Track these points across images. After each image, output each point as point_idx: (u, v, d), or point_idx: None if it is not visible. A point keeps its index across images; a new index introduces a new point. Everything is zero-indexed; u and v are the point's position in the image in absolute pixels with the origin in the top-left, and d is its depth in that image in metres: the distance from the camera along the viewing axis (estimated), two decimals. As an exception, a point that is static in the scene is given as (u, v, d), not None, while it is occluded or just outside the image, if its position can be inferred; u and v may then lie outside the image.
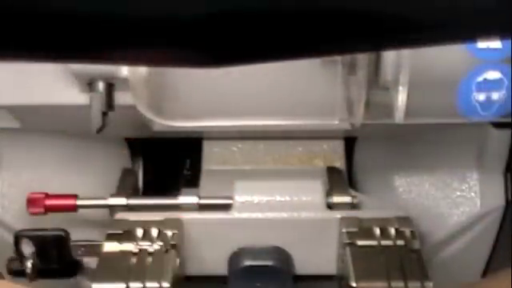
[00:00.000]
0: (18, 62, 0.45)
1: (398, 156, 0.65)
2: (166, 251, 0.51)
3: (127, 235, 0.52)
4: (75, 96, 0.53)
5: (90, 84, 0.51)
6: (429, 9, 0.24)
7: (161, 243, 0.51)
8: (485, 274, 0.64)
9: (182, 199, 0.55)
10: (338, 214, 0.53)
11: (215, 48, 0.23)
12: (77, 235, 0.55)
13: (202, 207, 0.55)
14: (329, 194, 0.55)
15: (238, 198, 0.54)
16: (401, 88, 0.46)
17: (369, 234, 0.52)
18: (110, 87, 0.51)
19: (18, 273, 0.55)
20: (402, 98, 0.46)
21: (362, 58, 0.47)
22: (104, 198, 0.56)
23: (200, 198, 0.55)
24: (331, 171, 0.62)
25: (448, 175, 0.63)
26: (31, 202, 0.56)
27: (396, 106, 0.46)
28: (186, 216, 0.54)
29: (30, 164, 0.63)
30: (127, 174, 0.64)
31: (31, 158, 0.63)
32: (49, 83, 0.53)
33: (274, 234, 0.54)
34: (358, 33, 0.24)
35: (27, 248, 0.55)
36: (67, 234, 0.54)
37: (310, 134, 0.63)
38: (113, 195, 0.57)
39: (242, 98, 0.55)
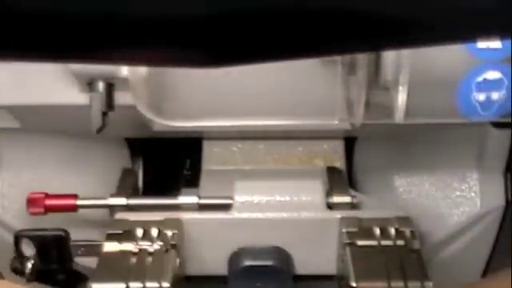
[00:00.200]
0: (18, 62, 0.45)
1: (398, 156, 0.65)
2: (166, 251, 0.51)
3: (127, 235, 0.52)
4: (75, 96, 0.53)
5: (89, 84, 0.51)
6: (429, 9, 0.24)
7: (161, 243, 0.51)
8: (485, 273, 0.64)
9: (182, 199, 0.55)
10: (337, 214, 0.53)
11: (215, 48, 0.23)
12: (77, 235, 0.55)
13: (202, 207, 0.55)
14: (329, 193, 0.55)
15: (238, 198, 0.54)
16: (401, 88, 0.46)
17: (369, 234, 0.52)
18: (110, 87, 0.51)
19: (22, 272, 0.55)
20: (401, 97, 0.46)
21: (362, 58, 0.47)
22: (104, 198, 0.56)
23: (200, 197, 0.55)
24: (331, 171, 0.62)
25: (448, 175, 0.63)
26: (31, 202, 0.56)
27: (396, 106, 0.46)
28: (185, 216, 0.54)
29: (30, 164, 0.63)
30: (127, 174, 0.64)
31: (31, 157, 0.63)
32: (49, 83, 0.53)
33: (274, 234, 0.54)
34: (357, 33, 0.24)
35: (27, 248, 0.55)
36: (67, 234, 0.54)
37: (310, 134, 0.63)
38: (113, 195, 0.57)
39: (242, 98, 0.55)
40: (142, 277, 0.48)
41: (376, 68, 0.47)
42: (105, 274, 0.49)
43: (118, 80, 0.51)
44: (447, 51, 0.45)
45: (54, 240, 0.54)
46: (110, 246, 0.51)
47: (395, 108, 0.47)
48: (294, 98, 0.55)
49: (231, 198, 0.54)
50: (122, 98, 0.52)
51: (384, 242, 0.51)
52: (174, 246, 0.51)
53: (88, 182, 0.64)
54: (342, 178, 0.61)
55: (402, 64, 0.45)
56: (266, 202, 0.54)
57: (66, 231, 0.54)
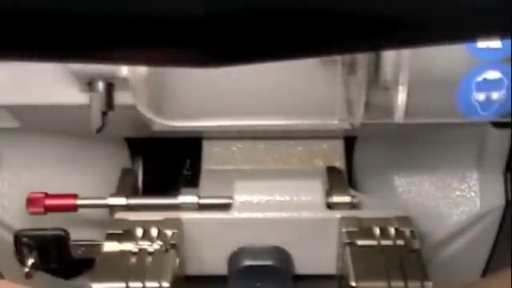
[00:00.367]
0: (18, 62, 0.45)
1: (398, 156, 0.65)
2: (166, 251, 0.51)
3: (127, 235, 0.52)
4: (75, 96, 0.53)
5: (89, 84, 0.51)
6: (428, 9, 0.24)
7: (160, 243, 0.51)
8: (485, 273, 0.64)
9: (182, 199, 0.55)
10: (337, 214, 0.53)
11: (215, 48, 0.23)
12: (77, 235, 0.55)
13: (202, 207, 0.55)
14: (329, 193, 0.55)
15: (238, 198, 0.54)
16: (401, 88, 0.46)
17: (369, 234, 0.52)
18: (110, 87, 0.51)
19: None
20: (401, 97, 0.46)
21: (362, 58, 0.47)
22: (104, 198, 0.56)
23: (200, 197, 0.55)
24: (331, 171, 0.62)
25: (448, 175, 0.63)
26: (31, 201, 0.56)
27: (396, 105, 0.46)
28: (185, 216, 0.54)
29: (30, 164, 0.63)
30: (127, 174, 0.64)
31: (31, 157, 0.63)
32: (49, 83, 0.53)
33: (273, 233, 0.54)
34: (357, 33, 0.24)
35: (27, 248, 0.55)
36: (67, 233, 0.54)
37: (310, 134, 0.63)
38: (112, 195, 0.57)
39: (242, 98, 0.55)
40: (141, 276, 0.48)
41: (376, 68, 0.47)
42: (105, 273, 0.49)
43: (117, 80, 0.51)
44: (447, 51, 0.45)
45: (54, 240, 0.54)
46: (110, 246, 0.51)
47: (395, 108, 0.47)
48: (294, 98, 0.55)
49: (231, 197, 0.54)
50: (121, 97, 0.52)
51: (384, 242, 0.51)
52: (173, 246, 0.51)
53: (88, 182, 0.64)
54: (341, 178, 0.61)
55: (401, 64, 0.45)
56: (265, 202, 0.54)
57: (65, 231, 0.54)
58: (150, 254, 0.50)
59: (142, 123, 0.56)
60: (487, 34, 0.26)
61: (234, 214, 0.54)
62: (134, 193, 0.63)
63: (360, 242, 0.51)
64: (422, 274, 0.48)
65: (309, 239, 0.54)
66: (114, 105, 0.51)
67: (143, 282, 0.47)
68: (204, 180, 0.62)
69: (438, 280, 0.49)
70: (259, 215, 0.53)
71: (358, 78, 0.47)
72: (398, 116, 0.47)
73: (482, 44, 0.44)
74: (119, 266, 0.49)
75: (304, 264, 0.55)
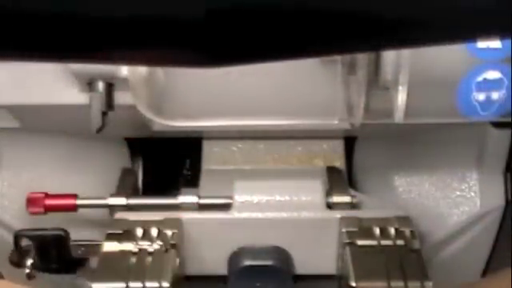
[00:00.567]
0: (18, 62, 0.45)
1: (398, 156, 0.65)
2: (166, 251, 0.51)
3: (127, 235, 0.52)
4: (75, 96, 0.53)
5: (89, 84, 0.51)
6: (428, 9, 0.24)
7: (160, 243, 0.51)
8: (485, 273, 0.64)
9: (182, 199, 0.55)
10: (337, 214, 0.53)
11: (214, 48, 0.23)
12: (77, 235, 0.55)
13: (202, 207, 0.55)
14: (329, 193, 0.55)
15: (238, 198, 0.54)
16: (401, 88, 0.46)
17: (369, 234, 0.52)
18: (110, 87, 0.51)
19: (19, 265, 0.55)
20: (401, 97, 0.46)
21: (362, 58, 0.47)
22: (104, 198, 0.56)
23: (200, 197, 0.55)
24: (331, 171, 0.62)
25: (448, 175, 0.63)
26: (31, 201, 0.56)
27: (396, 105, 0.46)
28: (185, 216, 0.54)
29: (30, 164, 0.63)
30: (127, 174, 0.64)
31: (31, 157, 0.63)
32: (48, 83, 0.53)
33: (273, 233, 0.54)
34: (357, 33, 0.24)
35: (27, 248, 0.55)
36: (67, 233, 0.54)
37: (309, 134, 0.63)
38: (112, 195, 0.57)
39: (242, 98, 0.55)
40: (141, 276, 0.48)
41: (376, 68, 0.47)
42: (105, 273, 0.49)
43: (117, 80, 0.51)
44: (447, 51, 0.45)
45: (54, 240, 0.54)
46: (110, 246, 0.51)
47: (395, 108, 0.47)
48: (294, 98, 0.55)
49: (231, 197, 0.54)
50: (121, 97, 0.52)
51: (384, 242, 0.51)
52: (173, 246, 0.51)
53: (88, 182, 0.64)
54: (341, 178, 0.61)
55: (401, 64, 0.45)
56: (265, 202, 0.54)
57: (65, 231, 0.54)
58: (150, 254, 0.50)
59: (142, 123, 0.56)
60: (487, 33, 0.26)
61: (233, 214, 0.54)
62: (134, 193, 0.63)
63: (360, 242, 0.51)
64: (422, 274, 0.48)
65: (309, 239, 0.54)
66: (113, 105, 0.51)
67: (143, 282, 0.47)
68: (204, 180, 0.62)
69: (438, 280, 0.49)
70: (259, 215, 0.53)
71: (358, 78, 0.47)
72: (398, 116, 0.47)
73: (481, 44, 0.44)
74: (119, 266, 0.49)
75: (304, 264, 0.55)
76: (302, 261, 0.55)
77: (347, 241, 0.51)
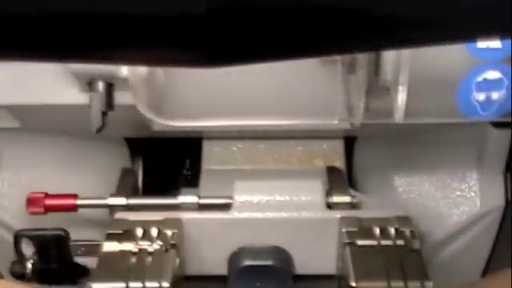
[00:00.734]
0: (18, 62, 0.45)
1: (398, 156, 0.65)
2: (166, 251, 0.51)
3: (127, 235, 0.52)
4: (75, 96, 0.53)
5: (89, 84, 0.51)
6: (428, 9, 0.24)
7: (160, 243, 0.51)
8: (485, 273, 0.64)
9: (182, 199, 0.55)
10: (337, 214, 0.53)
11: (214, 48, 0.23)
12: (77, 235, 0.55)
13: (202, 207, 0.55)
14: (329, 193, 0.55)
15: (238, 198, 0.54)
16: (401, 88, 0.46)
17: (369, 234, 0.51)
18: (110, 87, 0.51)
19: (21, 276, 0.55)
20: (401, 97, 0.46)
21: (362, 58, 0.47)
22: (104, 198, 0.56)
23: (200, 197, 0.55)
24: (331, 171, 0.62)
25: (448, 175, 0.63)
26: (31, 201, 0.56)
27: (396, 105, 0.46)
28: (185, 216, 0.53)
29: (30, 164, 0.63)
30: (127, 174, 0.64)
31: (31, 157, 0.63)
32: (49, 83, 0.53)
33: (273, 233, 0.54)
34: (357, 33, 0.24)
35: (27, 248, 0.55)
36: (67, 233, 0.54)
37: (309, 134, 0.63)
38: (112, 195, 0.57)
39: (242, 98, 0.55)
40: (141, 276, 0.48)
41: (376, 68, 0.47)
42: (105, 273, 0.49)
43: (117, 80, 0.51)
44: (447, 51, 0.45)
45: (54, 240, 0.54)
46: (110, 246, 0.51)
47: (395, 108, 0.47)
48: (294, 98, 0.55)
49: (231, 197, 0.54)
50: (121, 97, 0.52)
51: (384, 242, 0.51)
52: (173, 246, 0.51)
53: (88, 182, 0.64)
54: (341, 178, 0.61)
55: (401, 64, 0.45)
56: (265, 202, 0.54)
57: (65, 231, 0.54)
58: (150, 253, 0.50)
59: (142, 123, 0.56)
60: (487, 33, 0.26)
61: (233, 214, 0.54)
62: (134, 193, 0.63)
63: (360, 242, 0.51)
64: (422, 274, 0.48)
65: (309, 239, 0.54)
66: (113, 105, 0.51)
67: (143, 282, 0.47)
68: (204, 180, 0.62)
69: (438, 280, 0.49)
70: (259, 215, 0.53)
71: (358, 78, 0.47)
72: (398, 116, 0.47)
73: (481, 44, 0.44)
74: (119, 266, 0.49)
75: (304, 264, 0.55)
76: (302, 261, 0.55)
77: (347, 241, 0.51)
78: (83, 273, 0.56)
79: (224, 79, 0.54)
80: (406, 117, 0.47)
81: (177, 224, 0.53)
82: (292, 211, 0.53)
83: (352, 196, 0.56)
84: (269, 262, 0.53)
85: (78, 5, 0.23)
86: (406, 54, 0.45)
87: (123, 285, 0.47)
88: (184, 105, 0.55)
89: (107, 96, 0.51)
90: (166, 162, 0.72)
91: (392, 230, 0.52)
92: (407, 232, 0.52)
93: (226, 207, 0.54)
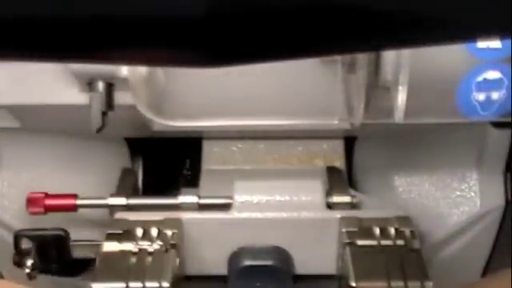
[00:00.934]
0: (18, 62, 0.45)
1: (398, 156, 0.65)
2: (166, 251, 0.51)
3: (127, 235, 0.52)
4: (75, 96, 0.53)
5: (89, 84, 0.51)
6: (428, 9, 0.24)
7: (160, 243, 0.51)
8: (485, 273, 0.64)
9: (182, 199, 0.55)
10: (337, 214, 0.53)
11: (214, 48, 0.23)
12: (77, 235, 0.55)
13: (202, 207, 0.55)
14: (329, 193, 0.55)
15: (238, 198, 0.54)
16: (401, 88, 0.45)
17: (369, 234, 0.51)
18: (110, 87, 0.51)
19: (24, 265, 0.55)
20: (401, 97, 0.46)
21: (362, 58, 0.47)
22: (104, 198, 0.56)
23: (200, 197, 0.55)
24: (331, 171, 0.62)
25: (448, 175, 0.63)
26: (31, 201, 0.56)
27: (396, 105, 0.46)
28: (185, 216, 0.53)
29: (30, 164, 0.63)
30: (127, 174, 0.64)
31: (31, 157, 0.63)
32: (49, 83, 0.53)
33: (273, 233, 0.54)
34: (357, 33, 0.24)
35: (27, 248, 0.55)
36: (67, 233, 0.54)
37: (309, 134, 0.63)
38: (112, 195, 0.57)
39: (242, 97, 0.55)
40: (141, 276, 0.48)
41: (376, 68, 0.47)
42: (105, 273, 0.49)
43: (117, 80, 0.51)
44: (447, 51, 0.45)
45: (54, 240, 0.54)
46: (110, 246, 0.51)
47: (395, 108, 0.47)
48: (294, 98, 0.55)
49: (231, 197, 0.54)
50: (121, 97, 0.52)
51: (384, 242, 0.51)
52: (173, 246, 0.51)
53: (88, 182, 0.64)
54: (341, 178, 0.61)
55: (401, 64, 0.45)
56: (265, 202, 0.54)
57: (65, 231, 0.54)
58: (150, 253, 0.50)
59: (142, 123, 0.56)
60: (487, 33, 0.26)
61: (233, 214, 0.54)
62: (134, 193, 0.63)
63: (360, 242, 0.51)
64: (422, 274, 0.48)
65: (309, 239, 0.54)
66: (113, 105, 0.51)
67: (143, 282, 0.47)
68: (204, 180, 0.62)
69: (438, 280, 0.49)
70: (259, 215, 0.53)
71: (358, 78, 0.47)
72: (398, 116, 0.47)
73: (481, 44, 0.44)
74: (119, 266, 0.49)
75: (304, 264, 0.55)
76: (302, 261, 0.55)
77: (347, 241, 0.51)
78: (85, 265, 0.56)
79: (224, 79, 0.54)
80: (406, 117, 0.47)
81: (177, 224, 0.53)
82: (292, 211, 0.53)
83: (352, 196, 0.56)
84: (269, 262, 0.53)
85: (78, 5, 0.22)
86: (406, 53, 0.45)
87: (123, 285, 0.47)
88: (184, 105, 0.55)
89: (107, 96, 0.51)
90: (166, 162, 0.72)
91: (392, 230, 0.52)
92: (407, 232, 0.52)
93: (226, 207, 0.54)
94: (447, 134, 0.61)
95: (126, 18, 0.23)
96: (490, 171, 0.61)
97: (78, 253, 0.55)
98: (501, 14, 0.24)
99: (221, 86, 0.54)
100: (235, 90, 0.54)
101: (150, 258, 0.50)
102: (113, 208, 0.56)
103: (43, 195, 0.56)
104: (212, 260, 0.55)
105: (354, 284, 0.48)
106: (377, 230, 0.52)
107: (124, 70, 0.50)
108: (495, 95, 0.46)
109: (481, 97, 0.46)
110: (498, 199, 0.61)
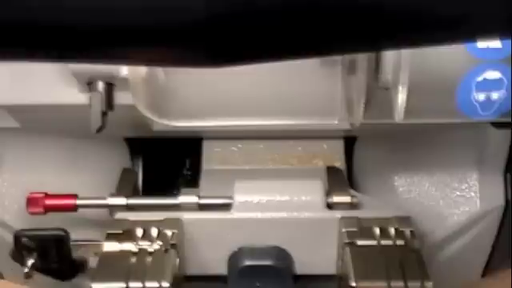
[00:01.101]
0: (18, 62, 0.45)
1: (397, 156, 0.65)
2: (166, 251, 0.51)
3: (127, 235, 0.52)
4: (75, 96, 0.53)
5: (89, 84, 0.51)
6: (428, 9, 0.24)
7: (160, 243, 0.51)
8: (485, 273, 0.64)
9: (182, 199, 0.55)
10: (337, 214, 0.53)
11: (215, 48, 0.23)
12: (77, 235, 0.55)
13: (202, 207, 0.55)
14: (328, 193, 0.55)
15: (238, 198, 0.54)
16: (401, 88, 0.46)
17: (369, 234, 0.51)
18: (110, 87, 0.51)
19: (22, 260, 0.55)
20: (401, 97, 0.46)
21: (362, 58, 0.47)
22: (104, 198, 0.56)
23: (200, 197, 0.55)
24: (331, 171, 0.62)
25: (448, 175, 0.63)
26: (31, 201, 0.56)
27: (396, 105, 0.46)
28: (185, 216, 0.54)
29: (30, 164, 0.63)
30: (127, 174, 0.64)
31: (31, 157, 0.63)
32: (48, 83, 0.53)
33: (273, 233, 0.54)
34: (358, 32, 0.24)
35: (27, 248, 0.55)
36: (67, 233, 0.54)
37: (309, 134, 0.63)
38: (112, 195, 0.57)
39: (242, 97, 0.55)
40: (141, 276, 0.48)
41: (376, 68, 0.47)
42: (105, 273, 0.49)
43: (117, 80, 0.51)
44: (447, 51, 0.45)
45: (54, 240, 0.54)
46: (110, 246, 0.51)
47: (395, 108, 0.47)
48: (294, 98, 0.55)
49: (231, 197, 0.54)
50: (121, 97, 0.52)
51: (384, 242, 0.51)
52: (173, 246, 0.51)
53: (88, 182, 0.64)
54: (341, 178, 0.61)
55: (401, 64, 0.45)
56: (265, 202, 0.54)
57: (65, 231, 0.54)
58: (150, 253, 0.50)
59: (142, 123, 0.56)
60: (487, 33, 0.26)
61: (233, 214, 0.54)
62: (134, 193, 0.63)
63: (360, 242, 0.51)
64: (422, 274, 0.48)
65: (309, 239, 0.54)
66: (113, 105, 0.51)
67: (143, 282, 0.47)
68: (204, 180, 0.62)
69: (438, 280, 0.49)
70: (259, 215, 0.53)
71: (358, 78, 0.47)
72: (398, 116, 0.47)
73: (481, 44, 0.44)
74: (119, 266, 0.49)
75: (304, 264, 0.55)
76: (302, 261, 0.55)
77: (347, 241, 0.51)
78: (81, 268, 0.56)
79: (224, 79, 0.54)
80: (406, 117, 0.47)
81: (177, 224, 0.53)
82: (292, 211, 0.53)
83: (352, 196, 0.56)
84: (269, 262, 0.53)
85: (79, 5, 0.23)
86: (406, 54, 0.45)
87: (123, 285, 0.47)
88: (184, 105, 0.55)
89: (107, 96, 0.51)
90: (166, 162, 0.72)
91: (392, 230, 0.52)
92: (407, 232, 0.52)
93: (226, 207, 0.54)
94: (447, 134, 0.61)
95: (126, 18, 0.23)
96: (490, 171, 0.61)
97: (78, 253, 0.55)
98: (501, 14, 0.24)
99: (221, 86, 0.54)
100: (235, 89, 0.54)
101: (149, 258, 0.50)
102: (113, 208, 0.56)
103: (43, 195, 0.57)
104: (212, 260, 0.55)
105: (354, 284, 0.48)
106: (377, 230, 0.52)
107: (124, 70, 0.50)
108: (495, 95, 0.46)
109: (481, 97, 0.46)
110: (497, 199, 0.61)
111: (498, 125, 0.55)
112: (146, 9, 0.23)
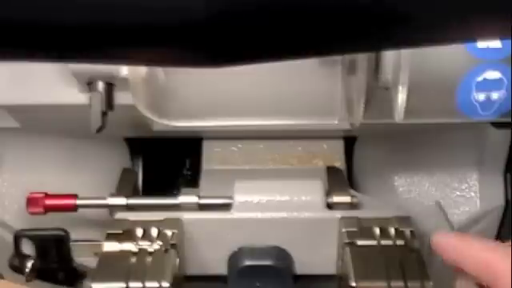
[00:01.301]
0: (18, 62, 0.45)
1: (397, 156, 0.65)
2: (166, 251, 0.51)
3: (127, 235, 0.52)
4: (75, 96, 0.53)
5: (89, 84, 0.51)
6: (428, 9, 0.24)
7: (160, 243, 0.51)
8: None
9: (182, 199, 0.55)
10: (337, 214, 0.53)
11: (215, 48, 0.23)
12: (77, 235, 0.55)
13: (202, 207, 0.55)
14: (328, 193, 0.55)
15: (238, 198, 0.54)
16: (401, 88, 0.46)
17: (369, 234, 0.51)
18: (110, 87, 0.51)
19: (20, 270, 0.55)
20: (401, 97, 0.46)
21: (362, 58, 0.47)
22: (104, 198, 0.56)
23: (200, 197, 0.55)
24: (331, 171, 0.62)
25: (448, 175, 0.63)
26: (31, 201, 0.56)
27: (396, 105, 0.46)
28: (185, 216, 0.54)
29: (30, 164, 0.63)
30: (127, 174, 0.64)
31: (31, 157, 0.63)
32: (48, 83, 0.53)
33: (273, 233, 0.54)
34: (358, 32, 0.24)
35: (27, 248, 0.55)
36: (67, 233, 0.54)
37: (309, 134, 0.63)
38: (112, 195, 0.57)
39: (242, 97, 0.55)
40: (141, 276, 0.48)
41: (376, 68, 0.47)
42: (105, 273, 0.49)
43: (117, 80, 0.51)
44: (447, 51, 0.45)
45: (54, 240, 0.54)
46: (110, 246, 0.51)
47: (395, 108, 0.47)
48: (294, 98, 0.55)
49: (231, 197, 0.54)
50: (121, 97, 0.52)
51: (384, 242, 0.51)
52: (173, 246, 0.51)
53: (88, 182, 0.64)
54: (341, 178, 0.61)
55: (401, 64, 0.45)
56: (265, 202, 0.54)
57: (65, 231, 0.54)
58: (150, 254, 0.50)
59: (142, 123, 0.56)
60: (487, 33, 0.26)
61: (233, 214, 0.54)
62: (134, 193, 0.63)
63: (360, 242, 0.51)
64: (422, 274, 0.48)
65: (309, 239, 0.54)
66: (113, 105, 0.51)
67: (143, 282, 0.47)
68: (204, 180, 0.62)
69: (438, 280, 0.49)
70: (259, 215, 0.53)
71: (358, 78, 0.47)
72: (398, 116, 0.47)
73: (481, 44, 0.44)
74: (119, 266, 0.49)
75: (304, 264, 0.55)
76: (302, 261, 0.55)
77: (347, 241, 0.51)
78: (81, 276, 0.56)
79: (224, 79, 0.54)
80: (406, 117, 0.47)
81: (177, 224, 0.53)
82: (292, 211, 0.53)
83: (352, 196, 0.56)
84: (269, 262, 0.53)
85: (80, 5, 0.23)
86: (406, 54, 0.45)
87: (123, 285, 0.47)
88: (184, 105, 0.55)
89: (107, 96, 0.51)
90: (166, 162, 0.72)
91: (392, 230, 0.52)
92: (407, 232, 0.52)
93: (226, 207, 0.54)
94: (447, 134, 0.61)
95: (126, 18, 0.23)
96: (489, 171, 0.61)
97: (78, 253, 0.55)
98: (501, 13, 0.24)
99: (221, 86, 0.54)
100: (235, 89, 0.54)
101: (149, 258, 0.50)
102: (113, 208, 0.56)
103: (43, 195, 0.57)
104: (212, 260, 0.55)
105: (354, 284, 0.48)
106: (377, 230, 0.52)
107: (124, 70, 0.50)
108: (495, 95, 0.46)
109: (481, 97, 0.46)
110: (498, 199, 0.61)
111: (497, 125, 0.55)
112: (146, 9, 0.23)
